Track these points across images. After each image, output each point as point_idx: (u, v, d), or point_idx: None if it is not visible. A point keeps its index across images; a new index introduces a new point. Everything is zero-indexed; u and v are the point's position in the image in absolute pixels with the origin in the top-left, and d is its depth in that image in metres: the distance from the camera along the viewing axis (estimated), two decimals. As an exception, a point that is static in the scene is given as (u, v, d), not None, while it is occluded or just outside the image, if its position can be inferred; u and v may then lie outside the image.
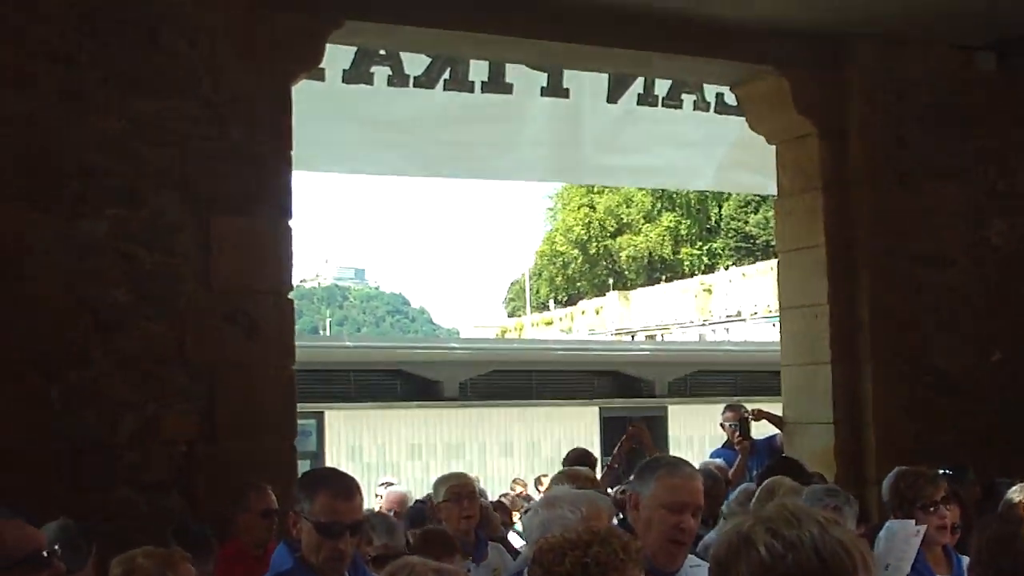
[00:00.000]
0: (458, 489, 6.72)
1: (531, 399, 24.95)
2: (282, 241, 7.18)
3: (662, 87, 10.18)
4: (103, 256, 6.68)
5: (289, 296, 7.23)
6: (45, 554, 4.08)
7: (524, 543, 5.88)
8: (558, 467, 8.72)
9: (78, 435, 6.48)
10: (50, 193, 6.63)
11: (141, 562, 4.31)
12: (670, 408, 25.47)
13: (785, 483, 6.27)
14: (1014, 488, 5.35)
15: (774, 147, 9.63)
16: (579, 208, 67.91)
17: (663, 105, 10.31)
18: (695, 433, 23.47)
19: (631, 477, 7.93)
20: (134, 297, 6.71)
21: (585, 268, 69.51)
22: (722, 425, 10.08)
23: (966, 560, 5.63)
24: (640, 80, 10.04)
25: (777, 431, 9.78)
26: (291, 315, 7.23)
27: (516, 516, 10.90)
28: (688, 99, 10.42)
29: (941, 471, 7.21)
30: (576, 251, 69.06)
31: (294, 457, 7.20)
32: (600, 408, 24.38)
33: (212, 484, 6.72)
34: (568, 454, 9.00)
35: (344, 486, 4.46)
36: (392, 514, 8.17)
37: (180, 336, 6.82)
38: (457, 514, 6.56)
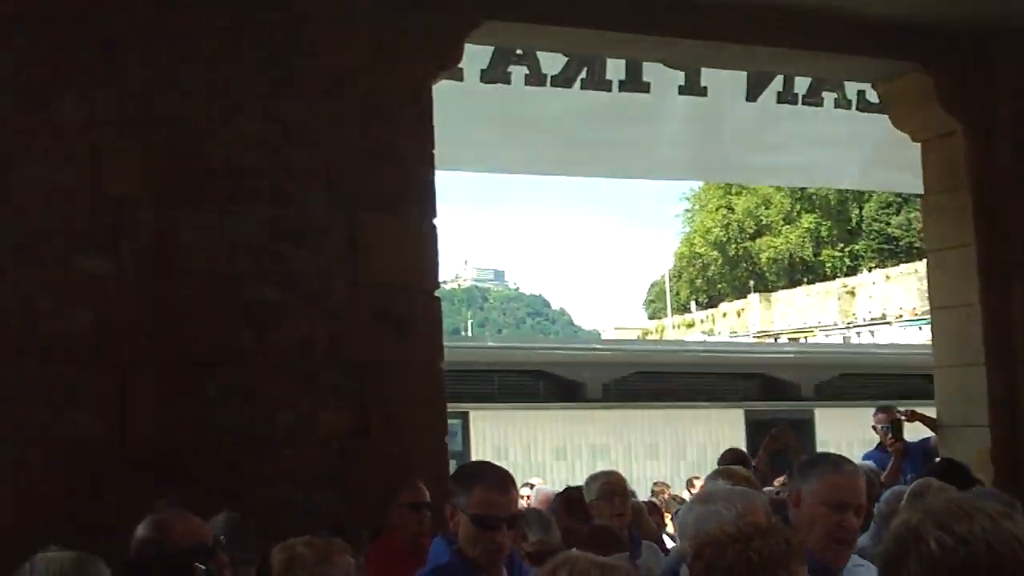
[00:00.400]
0: (610, 487, 6.69)
1: (675, 401, 24.80)
2: (428, 240, 7.22)
3: (802, 84, 10.04)
4: (255, 254, 6.77)
5: (436, 294, 7.26)
6: (210, 545, 4.15)
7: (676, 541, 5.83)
8: (704, 470, 8.66)
9: (235, 431, 6.57)
10: (203, 193, 6.74)
11: (301, 551, 4.35)
12: (816, 411, 25.10)
13: (934, 485, 6.11)
14: None
15: (919, 145, 9.41)
16: (717, 210, 67.53)
17: (803, 103, 10.17)
18: (842, 436, 23.05)
19: (785, 475, 7.84)
20: (286, 295, 6.79)
21: (725, 270, 69.07)
22: (874, 427, 9.90)
23: None
24: (779, 78, 9.90)
25: (931, 434, 9.55)
26: (439, 313, 7.27)
27: (668, 518, 10.82)
28: (829, 97, 10.27)
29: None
30: (715, 253, 68.66)
31: (445, 453, 7.23)
32: (745, 411, 24.12)
33: (365, 480, 6.76)
34: (723, 454, 8.93)
35: (499, 479, 4.47)
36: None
37: (332, 334, 6.88)
38: (609, 512, 6.53)
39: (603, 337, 66.27)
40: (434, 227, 7.27)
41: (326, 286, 6.91)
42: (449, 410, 7.70)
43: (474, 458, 19.99)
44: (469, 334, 69.14)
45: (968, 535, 2.24)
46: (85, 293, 6.43)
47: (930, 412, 9.45)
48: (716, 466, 8.17)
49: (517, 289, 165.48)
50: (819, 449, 19.83)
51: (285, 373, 6.74)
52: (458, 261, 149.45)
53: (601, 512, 6.54)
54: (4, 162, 6.33)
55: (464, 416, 20.86)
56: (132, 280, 6.54)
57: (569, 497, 7.49)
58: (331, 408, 6.83)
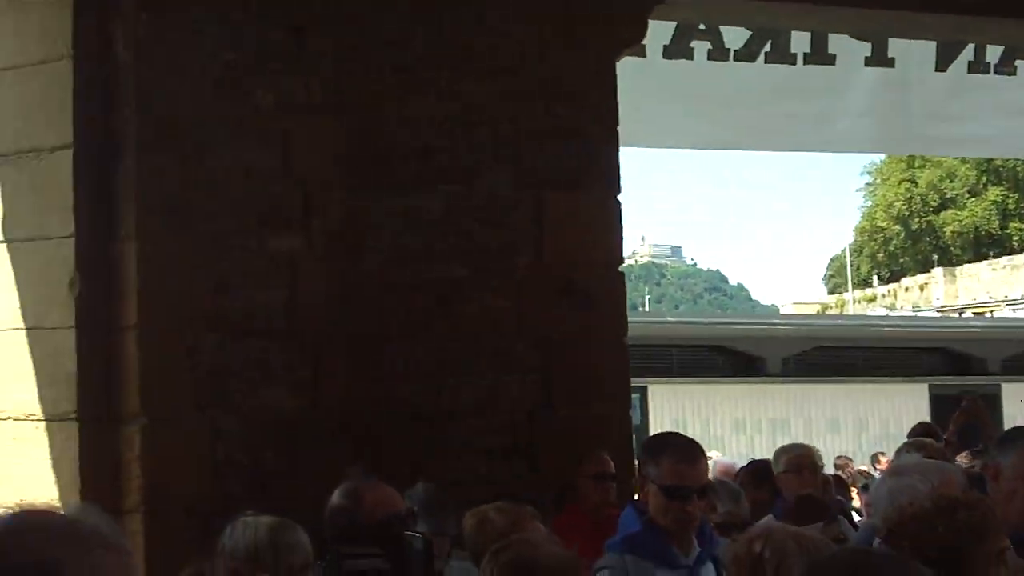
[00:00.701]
0: (798, 460, 6.66)
1: (856, 376, 24.46)
2: (611, 216, 7.25)
3: (993, 53, 9.76)
4: (441, 232, 6.89)
5: (620, 269, 7.30)
6: (403, 515, 4.27)
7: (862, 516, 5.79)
8: (886, 445, 8.54)
9: (422, 404, 6.70)
10: (390, 173, 6.87)
11: (492, 516, 4.45)
12: (1004, 386, 24.50)
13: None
14: None
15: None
16: (900, 183, 66.04)
17: (995, 72, 9.88)
18: (1030, 412, 22.48)
19: (969, 451, 7.69)
20: (472, 271, 6.89)
21: (907, 244, 67.56)
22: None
23: None
24: (970, 47, 9.65)
25: None
26: (622, 287, 7.31)
27: (854, 492, 10.70)
28: (1021, 65, 9.95)
29: None
30: (898, 227, 67.17)
31: (629, 425, 7.27)
32: (929, 385, 23.68)
33: (549, 452, 6.84)
34: (913, 428, 8.78)
35: (689, 450, 4.51)
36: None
37: (517, 309, 6.97)
38: (797, 484, 6.49)
39: (782, 312, 65.43)
40: (618, 203, 7.30)
41: (511, 262, 7.00)
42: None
43: (653, 431, 20.02)
44: (646, 310, 68.79)
45: None
46: (278, 271, 6.60)
47: None
48: (901, 441, 8.05)
49: (694, 264, 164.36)
50: (1006, 426, 19.37)
51: (471, 347, 6.84)
52: (635, 237, 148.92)
53: (789, 484, 6.51)
54: (201, 146, 6.53)
55: (643, 390, 20.93)
56: (322, 258, 6.70)
57: (756, 469, 7.48)
58: (516, 381, 6.91)
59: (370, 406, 6.63)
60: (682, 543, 4.40)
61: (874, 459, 16.31)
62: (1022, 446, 4.23)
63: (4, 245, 6.53)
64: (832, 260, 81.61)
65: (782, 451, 6.85)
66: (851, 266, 69.77)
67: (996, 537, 3.10)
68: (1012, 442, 4.32)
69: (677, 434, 4.92)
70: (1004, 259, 57.85)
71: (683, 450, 4.49)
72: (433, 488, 5.32)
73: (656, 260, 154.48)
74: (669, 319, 31.31)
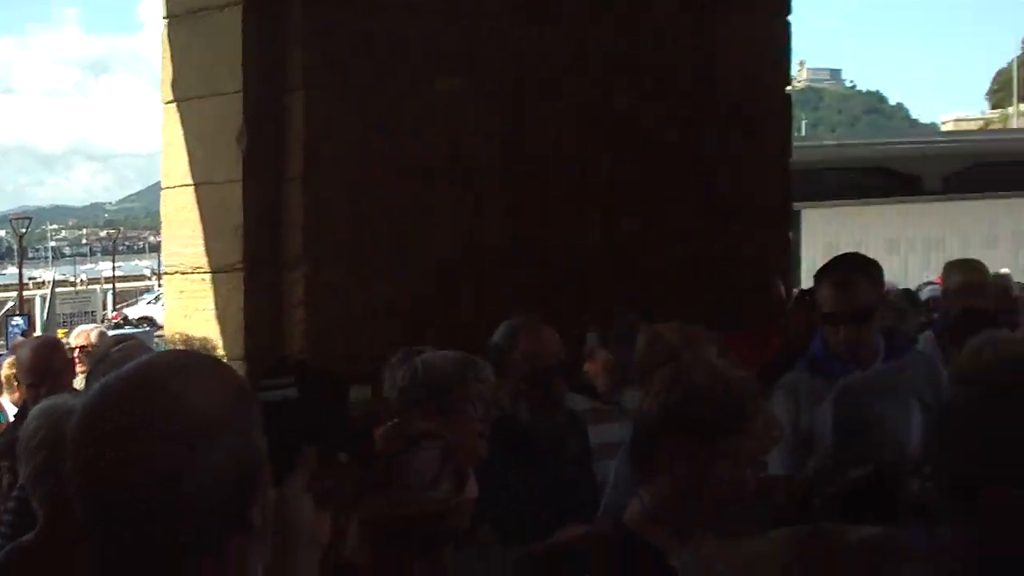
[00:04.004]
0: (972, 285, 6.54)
1: (1017, 191, 23.91)
2: (779, 37, 7.15)
3: None
4: (610, 58, 6.80)
5: (787, 91, 7.22)
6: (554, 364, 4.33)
7: None
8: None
9: (583, 236, 6.72)
10: (559, 6, 6.81)
11: (667, 335, 4.53)
12: None
13: None
14: None
15: None
16: (1069, -13, 63.06)
17: None
18: None
19: None
20: (637, 98, 6.81)
21: (1080, 54, 64.78)
22: None
23: None
24: None
25: None
26: (788, 110, 7.24)
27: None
28: None
29: None
30: (1068, 35, 64.33)
31: (790, 248, 7.26)
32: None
33: (715, 273, 6.84)
34: None
35: (842, 275, 4.51)
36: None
37: (682, 133, 6.92)
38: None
39: (942, 129, 63.70)
40: (787, 23, 7.19)
41: (676, 84, 6.94)
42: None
43: (804, 255, 19.90)
44: (802, 134, 67.52)
45: None
46: (443, 113, 6.56)
47: None
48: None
49: (853, 87, 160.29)
50: None
51: (637, 173, 6.83)
52: (793, 62, 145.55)
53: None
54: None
55: (796, 214, 20.75)
56: (488, 97, 6.66)
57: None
58: (681, 206, 6.91)
59: (532, 242, 6.66)
60: (860, 361, 4.42)
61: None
62: None
63: (175, 104, 6.63)
64: (997, 74, 78.95)
65: (953, 267, 6.77)
66: (1017, 79, 67.31)
67: None
68: None
69: (843, 257, 4.86)
70: None
71: (837, 276, 4.49)
72: (626, 315, 5.38)
73: (814, 85, 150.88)
74: (826, 142, 30.81)
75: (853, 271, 4.54)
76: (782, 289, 6.55)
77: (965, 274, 6.56)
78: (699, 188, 6.94)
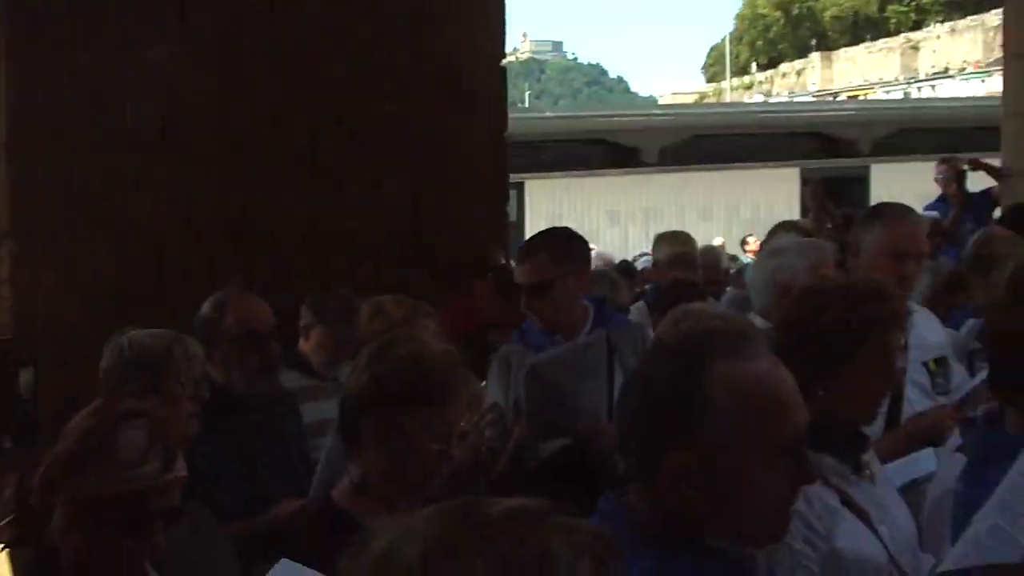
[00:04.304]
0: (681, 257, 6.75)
1: (731, 163, 24.81)
2: (494, 7, 7.16)
3: None
4: (320, 30, 6.73)
5: (502, 64, 7.25)
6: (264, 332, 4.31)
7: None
8: (757, 228, 8.70)
9: (300, 204, 6.66)
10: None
11: (389, 307, 4.53)
12: (873, 167, 25.06)
13: (997, 232, 6.18)
14: None
15: None
16: (780, -32, 65.99)
17: None
18: (898, 192, 23.07)
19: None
20: (352, 69, 6.77)
21: (787, 30, 67.91)
22: (936, 179, 9.88)
23: None
24: None
25: (993, 183, 9.56)
26: (503, 83, 7.27)
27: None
28: None
29: None
30: (778, 13, 67.34)
31: (506, 222, 7.33)
32: (801, 169, 24.10)
33: (431, 247, 6.86)
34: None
35: (525, 249, 4.64)
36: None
37: (396, 105, 6.88)
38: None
39: (660, 103, 65.70)
40: (500, -1, 7.21)
41: (390, 57, 6.90)
42: (505, 181, 7.80)
43: (528, 226, 20.25)
44: (526, 106, 68.42)
45: None
46: (153, 82, 6.38)
47: (994, 162, 9.44)
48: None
49: (575, 59, 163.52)
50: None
51: (350, 145, 6.78)
52: (516, 34, 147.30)
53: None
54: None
55: (519, 186, 21.02)
56: (198, 65, 6.48)
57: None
58: (395, 178, 6.89)
59: (247, 214, 6.53)
60: (563, 332, 4.51)
61: (742, 243, 16.73)
62: (885, 223, 4.36)
63: None
64: (711, 49, 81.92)
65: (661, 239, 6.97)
66: (730, 54, 70.01)
67: (888, 335, 3.14)
68: (874, 219, 4.42)
69: (545, 231, 4.99)
70: (880, 42, 58.39)
71: (521, 250, 4.68)
72: (342, 290, 5.34)
73: (537, 56, 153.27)
74: (547, 114, 31.31)
75: (535, 246, 4.65)
76: (502, 261, 6.61)
77: (674, 246, 6.77)
78: (416, 161, 6.92)
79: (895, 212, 4.51)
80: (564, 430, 4.15)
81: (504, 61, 7.40)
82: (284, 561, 2.66)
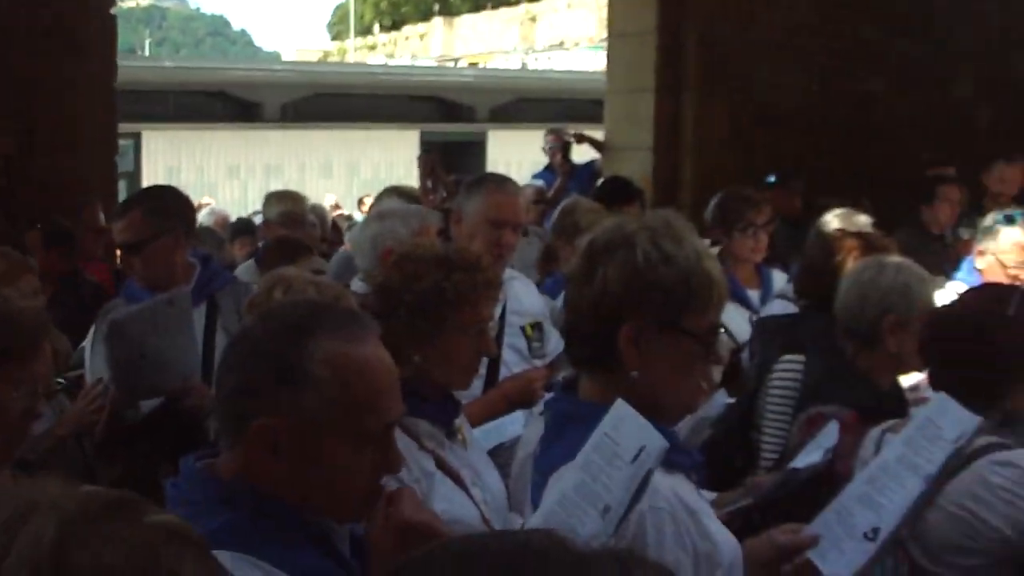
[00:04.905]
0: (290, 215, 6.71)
1: (352, 122, 24.87)
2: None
3: None
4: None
5: (112, 12, 6.99)
6: None
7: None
8: (377, 189, 8.73)
9: None
10: None
11: None
12: (490, 133, 25.67)
13: (583, 203, 6.39)
14: (828, 216, 5.49)
15: None
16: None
17: None
18: (514, 158, 23.74)
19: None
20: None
21: (413, -8, 68.35)
22: (544, 149, 10.16)
23: (775, 273, 5.92)
24: None
25: (597, 155, 9.92)
26: (114, 32, 7.01)
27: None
28: None
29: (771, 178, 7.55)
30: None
31: (115, 174, 7.11)
32: (420, 132, 24.41)
33: (32, 199, 6.59)
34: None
35: (119, 209, 4.53)
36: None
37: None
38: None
39: (284, 59, 65.02)
40: (113, -64, 6.95)
41: None
42: (121, 130, 7.58)
43: (145, 178, 19.69)
44: (146, 54, 66.21)
45: (674, 257, 2.30)
46: None
47: (599, 136, 9.78)
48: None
49: (198, 9, 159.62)
50: (490, 170, 20.39)
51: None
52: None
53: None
54: None
55: (136, 137, 20.39)
56: None
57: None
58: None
59: None
60: (159, 288, 4.41)
61: (359, 203, 16.80)
62: (484, 192, 4.44)
63: None
64: (337, 8, 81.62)
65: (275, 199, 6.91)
66: (355, 14, 69.98)
67: (479, 305, 3.19)
68: (475, 188, 4.50)
69: (146, 188, 4.89)
70: (502, 10, 59.67)
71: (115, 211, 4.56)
72: None
73: (158, 3, 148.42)
74: (167, 64, 30.42)
75: (130, 204, 4.54)
76: (100, 214, 6.38)
77: (283, 204, 6.72)
78: (21, 108, 6.62)
79: (494, 181, 4.59)
80: (156, 389, 4.05)
81: (118, 7, 7.14)
82: None
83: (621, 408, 2.19)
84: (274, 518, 2.04)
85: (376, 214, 4.83)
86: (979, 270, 5.52)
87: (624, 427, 2.16)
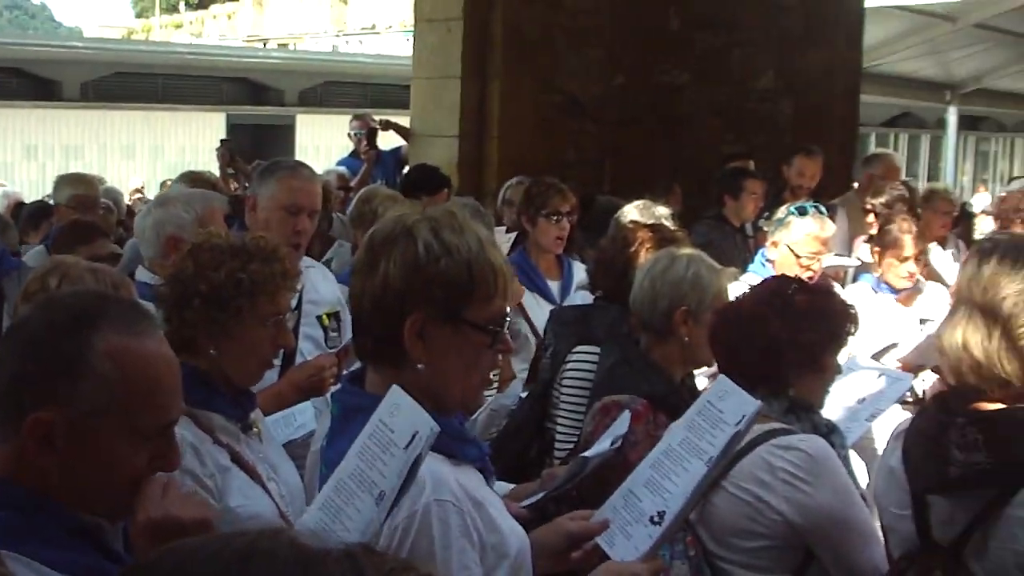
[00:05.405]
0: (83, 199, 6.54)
1: (156, 102, 24.38)
2: None
3: None
4: None
5: None
6: None
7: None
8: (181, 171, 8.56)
9: None
10: None
11: None
12: (299, 117, 25.46)
13: (380, 191, 6.37)
14: (627, 207, 5.58)
15: None
16: None
17: None
18: (323, 143, 23.59)
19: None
20: None
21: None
22: (349, 135, 10.10)
23: (576, 264, 6.00)
24: None
25: (403, 142, 9.89)
26: None
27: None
28: None
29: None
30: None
31: None
32: (228, 114, 24.05)
33: None
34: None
35: None
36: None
37: None
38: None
39: (86, 35, 63.25)
40: None
41: None
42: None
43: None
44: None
45: (455, 248, 2.29)
46: None
47: (406, 122, 9.74)
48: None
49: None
50: (299, 155, 20.21)
51: None
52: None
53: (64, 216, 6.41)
54: None
55: (-75, 114, 19.66)
56: None
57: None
58: None
59: None
60: None
61: (163, 186, 16.44)
62: (279, 178, 4.35)
63: None
64: (142, -16, 79.70)
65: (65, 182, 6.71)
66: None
67: (277, 296, 3.17)
68: (271, 174, 4.43)
69: None
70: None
71: None
72: None
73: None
74: (-40, 40, 29.31)
75: None
76: None
77: (74, 187, 6.55)
78: None
79: (288, 167, 4.53)
80: None
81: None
82: None
83: (396, 395, 2.18)
84: (47, 515, 1.98)
85: (157, 200, 4.73)
86: (771, 261, 5.69)
87: (399, 414, 2.16)
